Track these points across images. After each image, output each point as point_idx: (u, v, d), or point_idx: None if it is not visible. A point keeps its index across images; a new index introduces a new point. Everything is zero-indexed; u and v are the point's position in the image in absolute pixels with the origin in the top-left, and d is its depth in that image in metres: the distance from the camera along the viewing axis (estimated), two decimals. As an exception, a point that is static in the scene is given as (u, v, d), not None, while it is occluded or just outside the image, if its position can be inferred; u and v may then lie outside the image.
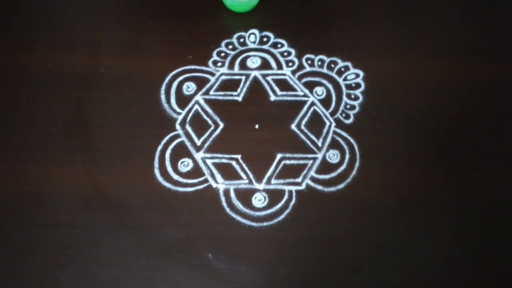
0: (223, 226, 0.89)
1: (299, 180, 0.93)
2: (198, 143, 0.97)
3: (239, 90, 1.02)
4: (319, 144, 0.96)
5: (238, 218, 0.90)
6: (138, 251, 0.87)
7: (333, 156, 0.95)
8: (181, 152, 0.96)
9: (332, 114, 0.99)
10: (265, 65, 1.05)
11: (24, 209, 0.90)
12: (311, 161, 0.95)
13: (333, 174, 0.94)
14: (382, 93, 1.02)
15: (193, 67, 1.04)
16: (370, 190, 0.92)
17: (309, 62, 1.05)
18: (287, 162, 0.95)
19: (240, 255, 0.87)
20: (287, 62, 1.05)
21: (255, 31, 1.09)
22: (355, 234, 0.89)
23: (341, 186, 0.92)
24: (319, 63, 1.05)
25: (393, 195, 0.92)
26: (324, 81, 1.03)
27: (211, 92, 1.02)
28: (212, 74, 1.03)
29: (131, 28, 1.09)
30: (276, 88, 1.02)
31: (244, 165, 0.94)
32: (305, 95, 1.01)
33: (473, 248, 0.88)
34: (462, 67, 1.05)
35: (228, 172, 0.94)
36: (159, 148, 0.96)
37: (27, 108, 1.00)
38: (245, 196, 0.92)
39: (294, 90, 1.02)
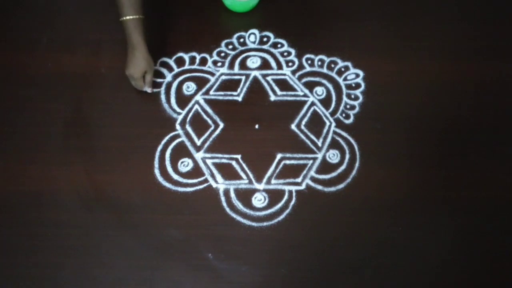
0: (223, 226, 0.89)
1: (299, 180, 0.93)
2: (198, 143, 0.97)
3: (239, 90, 1.02)
4: (319, 144, 0.96)
5: (238, 218, 0.90)
6: (138, 251, 0.87)
7: (333, 156, 0.95)
8: (181, 152, 0.96)
9: (332, 114, 0.99)
10: (265, 65, 1.05)
11: (24, 209, 0.90)
12: (311, 161, 0.95)
13: (333, 174, 0.94)
14: (382, 93, 1.02)
15: (193, 67, 1.04)
16: (370, 190, 0.92)
17: (309, 62, 1.05)
18: (287, 162, 0.95)
19: (240, 255, 0.87)
20: (287, 62, 1.05)
21: (255, 31, 1.09)
22: (355, 234, 0.89)
23: (341, 186, 0.93)
24: (319, 63, 1.05)
25: (393, 195, 0.92)
26: (324, 81, 1.03)
27: (211, 92, 1.02)
28: (212, 74, 1.03)
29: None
30: (276, 88, 1.02)
31: (244, 165, 0.94)
32: (305, 95, 1.01)
33: (473, 248, 0.88)
34: (462, 67, 1.05)
35: (228, 172, 0.94)
36: (159, 148, 0.96)
37: (27, 108, 1.00)
38: (245, 196, 0.92)
39: (294, 90, 1.02)
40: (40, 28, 1.09)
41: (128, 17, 0.92)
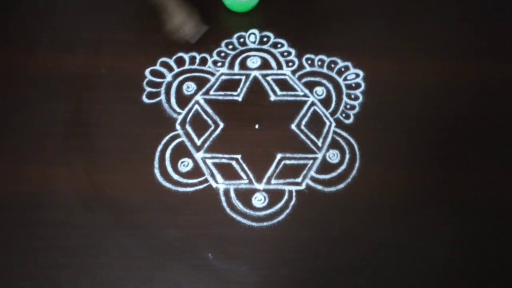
0: (223, 226, 0.89)
1: (299, 180, 0.93)
2: (198, 143, 0.97)
3: (239, 90, 1.02)
4: (319, 144, 0.96)
5: (238, 218, 0.90)
6: (138, 251, 0.87)
7: (333, 156, 0.95)
8: (181, 152, 0.96)
9: (332, 114, 0.99)
10: (265, 65, 1.05)
11: (24, 209, 0.90)
12: (311, 161, 0.95)
13: (333, 174, 0.94)
14: (382, 93, 1.02)
15: (193, 67, 1.04)
16: (370, 190, 0.92)
17: (309, 62, 1.05)
18: (287, 162, 0.95)
19: (240, 255, 0.87)
20: (287, 62, 1.05)
21: (255, 31, 1.09)
22: (355, 234, 0.89)
23: (341, 186, 0.93)
24: (319, 63, 1.05)
25: (393, 195, 0.92)
26: (324, 81, 1.03)
27: (211, 92, 1.02)
28: (212, 74, 1.03)
29: (131, 28, 1.09)
30: (276, 88, 1.02)
31: (244, 165, 0.94)
32: (305, 95, 1.01)
33: (473, 248, 0.88)
34: (462, 67, 1.05)
35: (228, 172, 0.94)
36: (159, 148, 0.96)
37: (27, 108, 1.00)
38: (245, 196, 0.92)
39: (294, 90, 1.02)
40: (40, 28, 1.09)
41: None
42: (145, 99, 1.01)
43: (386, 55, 1.06)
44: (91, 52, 1.06)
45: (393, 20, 1.11)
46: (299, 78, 1.03)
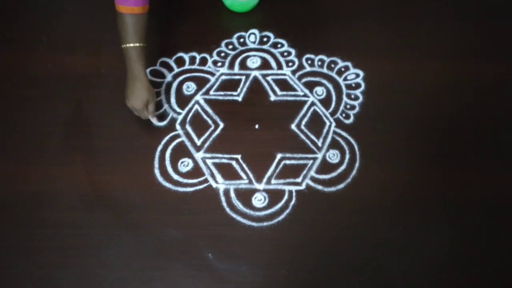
0: (223, 226, 0.89)
1: (299, 180, 0.93)
2: (198, 143, 0.97)
3: (239, 90, 1.02)
4: (319, 144, 0.96)
5: (238, 218, 0.90)
6: (138, 251, 0.87)
7: (333, 156, 0.95)
8: (181, 152, 0.96)
9: (332, 114, 0.99)
10: (265, 65, 1.05)
11: (24, 209, 0.90)
12: (311, 161, 0.95)
13: (333, 174, 0.94)
14: (382, 93, 1.02)
15: (193, 67, 1.04)
16: (370, 190, 0.92)
17: (309, 62, 1.05)
18: (287, 162, 0.95)
19: (240, 255, 0.87)
20: (287, 62, 1.05)
21: (255, 31, 1.09)
22: (355, 234, 0.89)
23: (341, 186, 0.92)
24: (319, 63, 1.05)
25: (392, 195, 0.92)
26: (324, 81, 1.03)
27: (211, 92, 1.02)
28: (212, 74, 1.03)
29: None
30: (276, 88, 1.02)
31: (244, 165, 0.94)
32: (305, 95, 1.01)
33: (473, 248, 0.88)
34: (461, 67, 1.05)
35: (228, 172, 0.94)
36: (159, 148, 0.96)
37: (27, 108, 1.00)
38: (245, 196, 0.92)
39: (294, 90, 1.02)
40: (40, 28, 1.09)
41: (131, 45, 0.88)
42: (145, 99, 1.01)
43: (386, 55, 1.06)
44: (91, 52, 1.06)
45: (392, 20, 1.11)
46: (299, 78, 1.03)
